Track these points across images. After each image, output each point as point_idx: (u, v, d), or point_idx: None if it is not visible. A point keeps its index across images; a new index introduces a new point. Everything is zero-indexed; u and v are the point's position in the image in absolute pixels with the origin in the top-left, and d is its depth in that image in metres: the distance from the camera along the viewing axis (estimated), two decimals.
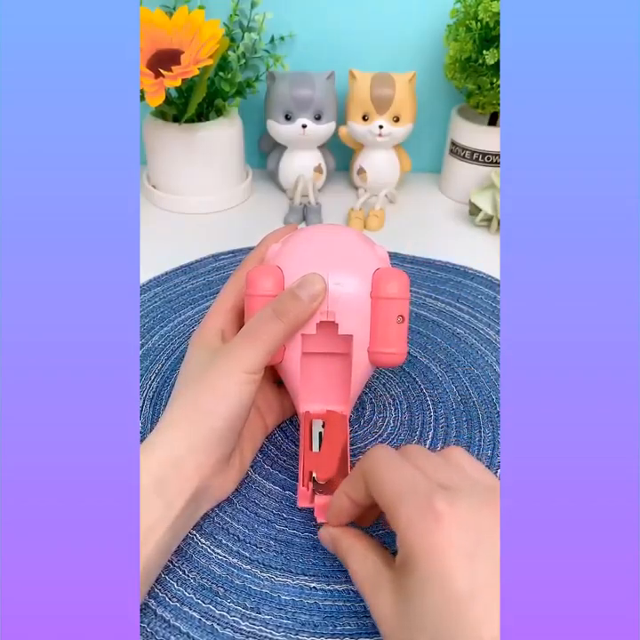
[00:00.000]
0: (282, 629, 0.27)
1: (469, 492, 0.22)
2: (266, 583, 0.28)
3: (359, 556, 0.25)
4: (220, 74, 0.56)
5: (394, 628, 0.22)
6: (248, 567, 0.29)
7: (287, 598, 0.28)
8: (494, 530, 0.21)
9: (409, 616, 0.21)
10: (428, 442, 0.36)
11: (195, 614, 0.27)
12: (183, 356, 0.32)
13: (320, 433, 0.31)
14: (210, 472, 0.28)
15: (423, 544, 0.21)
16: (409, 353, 0.42)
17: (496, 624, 0.19)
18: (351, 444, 0.35)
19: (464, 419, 0.37)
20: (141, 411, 0.37)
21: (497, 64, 0.51)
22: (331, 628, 0.27)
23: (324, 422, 0.31)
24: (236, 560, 0.29)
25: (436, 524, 0.21)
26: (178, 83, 0.48)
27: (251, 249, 0.35)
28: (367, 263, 0.31)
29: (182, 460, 0.27)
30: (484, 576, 0.20)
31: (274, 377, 0.35)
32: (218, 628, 0.27)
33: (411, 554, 0.21)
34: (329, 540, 0.27)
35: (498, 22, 0.50)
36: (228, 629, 0.26)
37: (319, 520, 0.28)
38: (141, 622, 0.26)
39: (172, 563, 0.29)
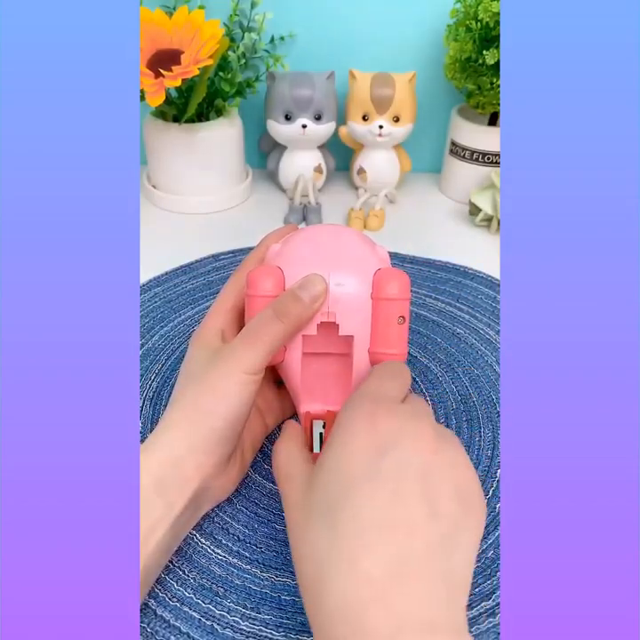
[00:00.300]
0: (282, 629, 0.27)
1: (411, 414, 0.24)
2: (266, 583, 0.28)
3: (291, 446, 0.27)
4: (220, 74, 0.56)
5: (298, 512, 0.23)
6: (248, 567, 0.29)
7: (287, 598, 0.28)
8: (411, 447, 0.22)
9: (312, 499, 0.22)
10: None
11: (195, 614, 0.27)
12: (183, 356, 0.32)
13: (321, 434, 0.31)
14: (210, 472, 0.28)
15: (343, 433, 0.23)
16: (409, 353, 0.41)
17: (380, 510, 0.20)
18: None
19: (464, 419, 0.37)
20: (141, 411, 0.37)
21: (497, 64, 0.51)
22: None
23: (324, 423, 0.31)
24: (236, 560, 0.29)
25: (365, 422, 0.23)
26: (178, 83, 0.48)
27: (251, 249, 0.35)
28: (368, 264, 0.31)
29: (183, 460, 0.27)
30: (386, 473, 0.21)
31: (274, 377, 0.35)
32: (218, 627, 0.27)
33: (331, 443, 0.23)
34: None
35: (498, 22, 0.50)
36: (228, 629, 0.27)
37: None
38: (141, 622, 0.26)
39: (172, 563, 0.29)
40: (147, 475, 0.26)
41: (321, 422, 0.31)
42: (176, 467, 0.27)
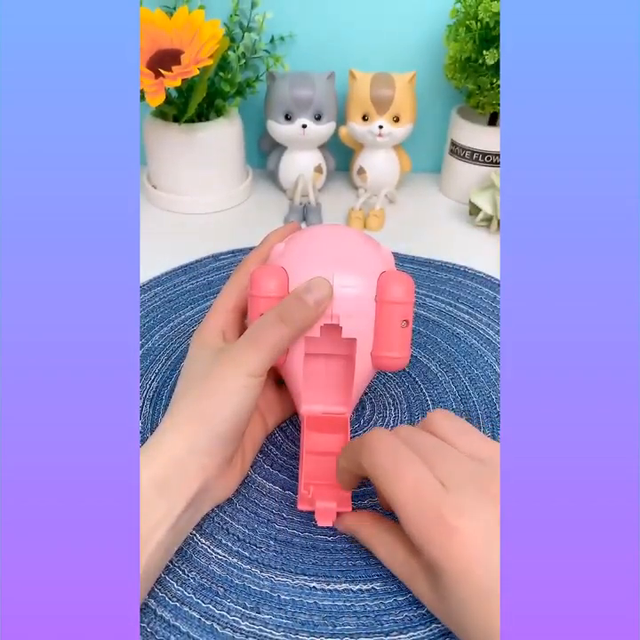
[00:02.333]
0: (281, 629, 0.27)
1: (470, 483, 0.24)
2: (265, 583, 0.28)
3: (387, 546, 0.27)
4: (220, 74, 0.56)
5: (434, 608, 0.25)
6: (248, 567, 0.29)
7: (287, 598, 0.28)
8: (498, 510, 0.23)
9: (444, 606, 0.24)
10: None
11: (194, 614, 0.27)
12: (183, 356, 0.32)
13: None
14: (212, 473, 0.28)
15: (443, 555, 0.22)
16: None
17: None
18: None
19: (464, 419, 0.37)
20: (141, 410, 0.37)
21: (497, 64, 0.51)
22: (330, 627, 0.27)
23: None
24: (235, 560, 0.29)
25: (450, 537, 0.22)
26: (178, 83, 0.48)
27: (251, 249, 0.34)
28: (372, 265, 0.30)
29: (184, 461, 0.27)
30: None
31: (275, 376, 0.35)
32: (217, 627, 0.27)
33: (434, 563, 0.23)
34: (346, 530, 0.29)
35: (498, 22, 0.50)
36: (227, 629, 0.27)
37: (320, 524, 0.28)
38: (141, 622, 0.26)
39: (171, 562, 0.29)
40: (148, 475, 0.26)
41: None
42: (178, 468, 0.27)
